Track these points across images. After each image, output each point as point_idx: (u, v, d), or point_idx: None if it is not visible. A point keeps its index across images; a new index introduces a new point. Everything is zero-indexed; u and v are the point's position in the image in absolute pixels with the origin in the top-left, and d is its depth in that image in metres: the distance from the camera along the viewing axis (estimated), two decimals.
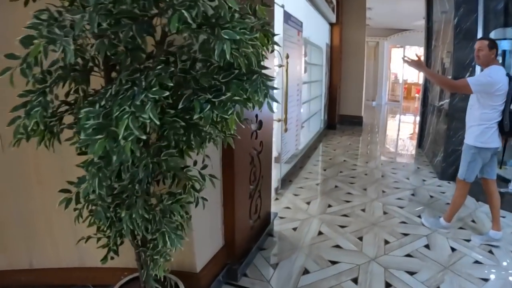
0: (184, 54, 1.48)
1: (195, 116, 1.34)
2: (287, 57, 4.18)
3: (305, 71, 7.43)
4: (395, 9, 10.37)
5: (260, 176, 3.05)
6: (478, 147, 3.19)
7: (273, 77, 1.45)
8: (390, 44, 14.98)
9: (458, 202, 3.46)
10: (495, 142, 3.18)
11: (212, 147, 1.89)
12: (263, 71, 1.48)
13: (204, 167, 1.86)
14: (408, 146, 7.59)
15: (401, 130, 10.11)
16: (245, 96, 1.40)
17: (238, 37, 1.23)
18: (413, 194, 4.48)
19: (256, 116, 2.81)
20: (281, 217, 3.78)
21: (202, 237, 2.38)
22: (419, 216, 3.80)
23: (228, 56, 1.24)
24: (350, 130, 9.12)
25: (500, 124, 3.13)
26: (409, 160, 6.18)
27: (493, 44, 3.14)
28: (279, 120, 4.35)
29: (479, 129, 3.17)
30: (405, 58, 3.36)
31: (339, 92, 9.34)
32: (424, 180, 5.02)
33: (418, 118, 7.41)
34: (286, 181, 4.90)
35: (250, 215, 2.94)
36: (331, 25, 8.80)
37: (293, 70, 4.86)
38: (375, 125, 10.38)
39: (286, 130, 4.37)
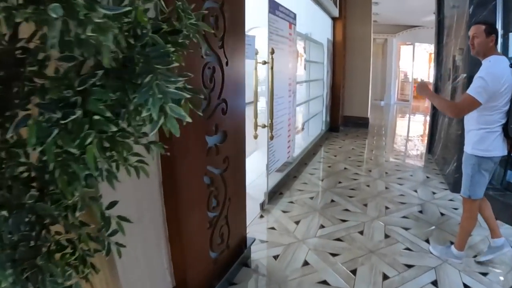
0: (41, 51, 0.93)
1: (30, 148, 0.81)
2: (272, 52, 3.61)
3: (304, 69, 6.86)
4: (403, 3, 9.70)
5: (226, 199, 2.49)
6: (478, 156, 2.62)
7: (179, 78, 0.86)
8: (398, 41, 14.25)
9: (467, 226, 2.86)
10: (499, 149, 2.59)
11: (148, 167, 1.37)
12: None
13: (111, 205, 1.31)
14: (417, 151, 6.93)
15: (409, 133, 9.32)
16: (109, 115, 0.84)
17: (61, 13, 0.67)
18: (420, 211, 3.86)
19: (216, 126, 2.26)
20: (262, 241, 3.23)
21: (137, 281, 1.84)
22: (427, 241, 3.21)
23: (56, 46, 0.69)
24: (355, 132, 8.48)
25: (505, 128, 2.55)
26: (418, 168, 5.55)
27: (491, 29, 2.54)
28: (264, 126, 3.79)
29: (478, 134, 2.60)
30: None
31: (342, 91, 8.72)
32: (434, 193, 4.39)
33: (428, 118, 6.76)
34: (276, 193, 4.33)
35: (212, 246, 2.38)
36: (334, 19, 8.17)
37: (283, 67, 4.30)
38: (382, 126, 9.71)
39: (272, 137, 3.80)
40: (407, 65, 14.96)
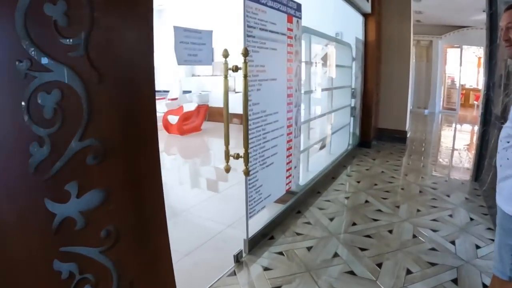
0: None
1: None
2: (245, 54, 2.64)
3: (329, 74, 5.82)
4: (449, 0, 8.33)
5: (122, 285, 1.57)
6: None
7: None
8: (445, 43, 12.63)
9: None
10: None
11: None
12: None
13: None
14: (461, 177, 5.57)
15: (454, 150, 7.70)
16: None
17: None
18: (455, 280, 2.73)
19: (80, 185, 1.35)
20: None
21: None
22: None
23: None
24: (389, 149, 7.24)
25: None
26: (460, 204, 4.30)
27: None
28: (237, 157, 2.83)
29: None
30: None
31: (376, 100, 7.52)
32: (477, 247, 3.22)
33: (477, 129, 5.48)
34: (265, 237, 3.38)
35: None
36: (365, 16, 6.99)
37: (278, 74, 3.36)
38: (422, 141, 8.33)
39: (247, 173, 2.83)
40: (454, 70, 13.24)
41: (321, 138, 5.64)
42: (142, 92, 1.59)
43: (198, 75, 12.02)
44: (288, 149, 3.74)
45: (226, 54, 2.63)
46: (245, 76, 2.63)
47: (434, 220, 3.81)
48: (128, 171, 1.56)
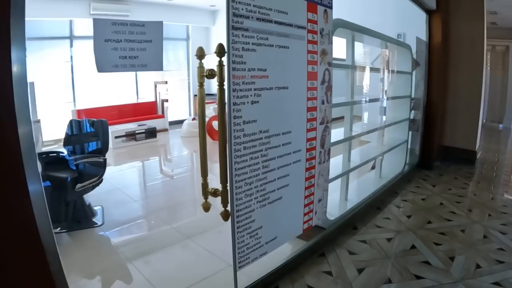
0: None
1: None
2: (221, 53, 1.92)
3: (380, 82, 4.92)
4: None
5: None
6: None
7: None
8: None
9: None
10: None
11: None
12: None
13: None
14: None
15: None
16: None
17: None
18: None
19: None
20: None
21: None
22: None
23: None
24: (453, 173, 6.04)
25: None
26: None
27: None
28: (215, 193, 2.12)
29: None
30: None
31: (441, 113, 6.38)
32: None
33: None
34: None
35: None
36: (429, 13, 5.90)
37: (292, 81, 2.58)
38: (494, 164, 6.94)
39: (226, 216, 2.10)
40: None
41: (366, 160, 4.68)
42: None
43: None
44: (308, 179, 2.94)
45: (201, 55, 1.93)
46: (221, 84, 1.91)
47: (496, 284, 2.78)
48: None
